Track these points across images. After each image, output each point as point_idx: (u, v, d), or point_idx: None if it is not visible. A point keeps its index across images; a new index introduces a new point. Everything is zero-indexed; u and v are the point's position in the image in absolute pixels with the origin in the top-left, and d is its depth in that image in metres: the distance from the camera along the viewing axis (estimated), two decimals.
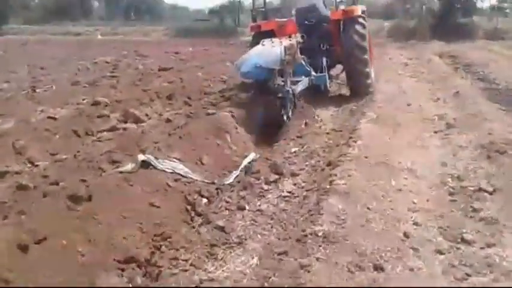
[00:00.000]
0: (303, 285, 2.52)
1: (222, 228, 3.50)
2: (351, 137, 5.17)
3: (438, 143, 5.45)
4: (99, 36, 36.77)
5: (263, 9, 9.29)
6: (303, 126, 6.30)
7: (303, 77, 7.36)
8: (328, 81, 7.99)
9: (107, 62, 13.82)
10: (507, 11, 29.00)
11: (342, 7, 8.53)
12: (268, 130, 6.00)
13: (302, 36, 7.76)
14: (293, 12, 8.93)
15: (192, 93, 8.21)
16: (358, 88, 8.28)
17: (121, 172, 3.94)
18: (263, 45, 6.60)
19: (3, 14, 38.21)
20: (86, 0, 50.58)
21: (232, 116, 6.16)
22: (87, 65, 13.21)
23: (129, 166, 4.10)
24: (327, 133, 6.04)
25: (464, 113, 6.75)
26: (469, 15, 26.67)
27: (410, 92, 9.01)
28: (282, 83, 6.28)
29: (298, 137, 5.83)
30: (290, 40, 6.96)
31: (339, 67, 8.91)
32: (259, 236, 3.38)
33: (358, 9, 8.24)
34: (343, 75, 8.78)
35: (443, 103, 7.87)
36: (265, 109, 6.09)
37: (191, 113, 6.11)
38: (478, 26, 26.34)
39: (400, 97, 8.34)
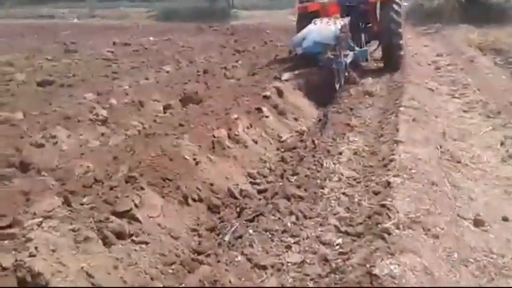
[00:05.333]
0: None
1: None
2: None
3: None
4: (75, 20, 32.37)
5: None
6: None
7: (348, 51, 8.10)
8: (368, 54, 9.05)
9: None
10: None
11: None
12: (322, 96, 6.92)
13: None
14: None
15: None
16: (392, 60, 9.13)
17: None
18: (315, 24, 7.77)
19: None
20: None
21: None
22: None
23: None
24: None
25: None
26: None
27: (466, 158, 4.23)
28: (336, 56, 7.15)
29: None
30: (342, 20, 7.99)
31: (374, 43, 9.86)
32: None
33: None
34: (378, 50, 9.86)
35: None
36: (322, 78, 6.97)
37: None
38: None
39: (448, 194, 3.58)
